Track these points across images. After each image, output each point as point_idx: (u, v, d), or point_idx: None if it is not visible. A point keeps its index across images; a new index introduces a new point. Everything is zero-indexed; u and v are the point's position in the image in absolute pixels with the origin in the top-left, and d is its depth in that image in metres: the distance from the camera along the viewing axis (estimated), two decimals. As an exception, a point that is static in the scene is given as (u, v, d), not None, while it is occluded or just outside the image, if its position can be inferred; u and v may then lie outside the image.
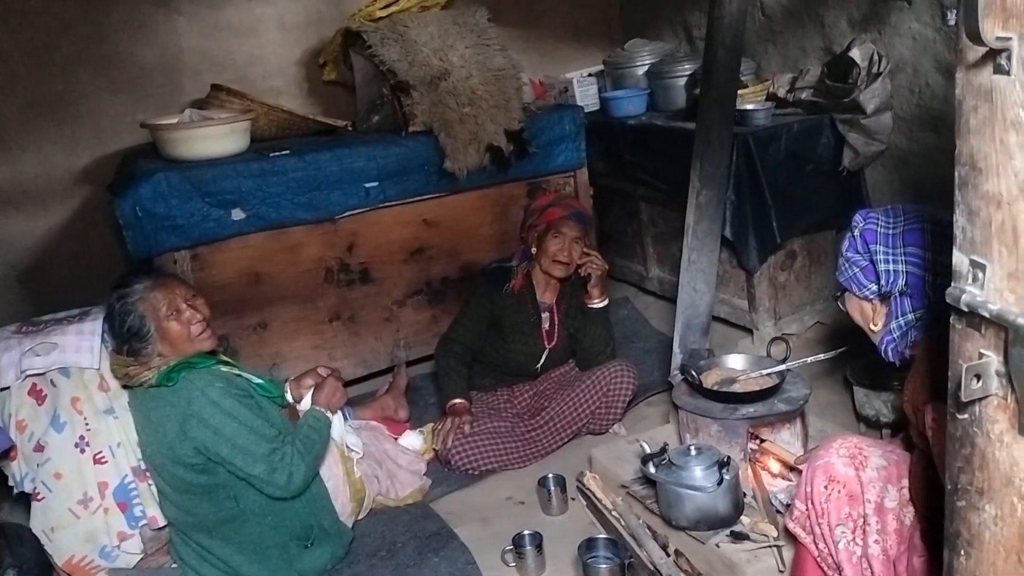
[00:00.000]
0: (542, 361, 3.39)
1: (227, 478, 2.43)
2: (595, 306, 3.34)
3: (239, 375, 2.60)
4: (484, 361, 3.41)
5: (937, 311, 1.85)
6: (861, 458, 1.95)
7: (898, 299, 1.91)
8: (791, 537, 2.13)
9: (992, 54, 0.94)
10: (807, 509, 2.00)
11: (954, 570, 1.17)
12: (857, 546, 1.88)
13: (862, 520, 1.88)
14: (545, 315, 3.37)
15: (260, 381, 2.66)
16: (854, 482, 1.92)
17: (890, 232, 1.93)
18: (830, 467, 1.96)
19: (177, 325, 2.49)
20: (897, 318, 1.92)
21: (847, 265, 2.01)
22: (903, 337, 1.91)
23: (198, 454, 2.39)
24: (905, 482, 1.87)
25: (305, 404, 2.75)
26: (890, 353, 1.97)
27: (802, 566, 2.06)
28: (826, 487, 1.95)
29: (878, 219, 1.96)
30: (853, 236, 1.99)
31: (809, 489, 1.99)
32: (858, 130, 3.35)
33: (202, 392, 2.40)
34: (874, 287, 1.95)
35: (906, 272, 1.89)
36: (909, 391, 1.80)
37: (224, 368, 2.57)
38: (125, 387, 2.56)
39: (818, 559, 2.00)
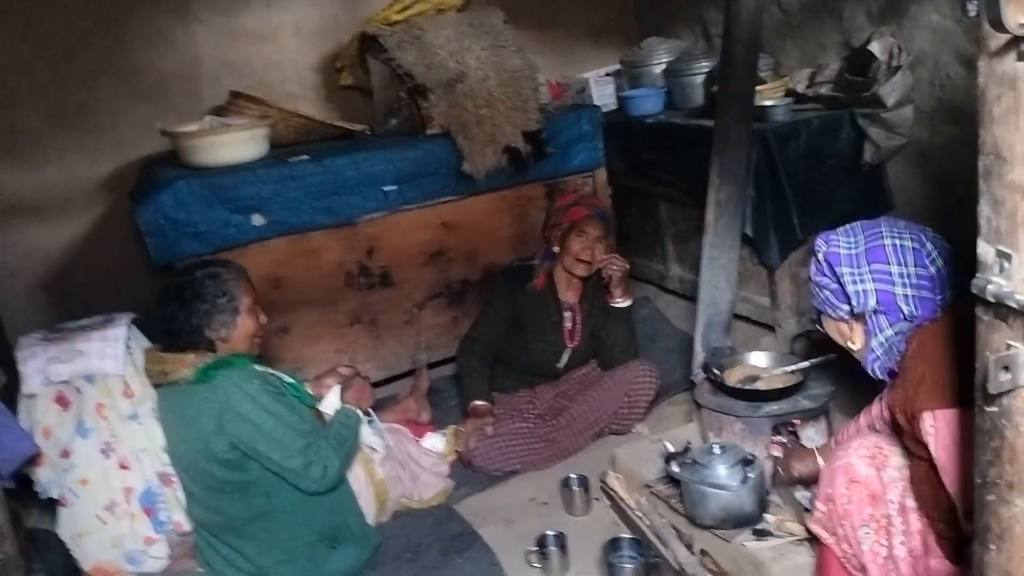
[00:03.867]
0: (564, 361, 3.38)
1: (259, 475, 2.45)
2: (618, 305, 3.33)
3: (273, 374, 2.62)
4: (506, 362, 3.41)
5: (918, 321, 1.90)
6: (881, 458, 1.92)
7: (873, 317, 1.94)
8: (814, 538, 2.11)
9: (1015, 41, 0.92)
10: (829, 510, 1.98)
11: (985, 565, 1.15)
12: (882, 547, 1.86)
13: (886, 520, 1.86)
14: (567, 314, 3.37)
15: (292, 381, 2.69)
16: (876, 482, 1.89)
17: (852, 252, 1.97)
18: (850, 468, 1.93)
19: (252, 323, 2.56)
20: (876, 335, 1.95)
21: (817, 289, 2.05)
22: (887, 353, 1.94)
23: (233, 449, 2.40)
24: None
25: (326, 403, 2.76)
26: (877, 371, 2.00)
27: (826, 567, 2.03)
28: (847, 489, 1.92)
29: (839, 240, 2.00)
30: (818, 260, 2.03)
31: (830, 490, 1.96)
32: (879, 124, 3.32)
33: (239, 388, 2.41)
34: (846, 308, 1.99)
35: (875, 290, 1.92)
36: (900, 400, 1.78)
37: (259, 367, 2.59)
38: (156, 387, 2.57)
39: (842, 560, 1.98)
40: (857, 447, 1.96)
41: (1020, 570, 1.10)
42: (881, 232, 1.96)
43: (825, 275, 2.01)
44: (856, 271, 1.94)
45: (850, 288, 1.94)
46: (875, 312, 1.92)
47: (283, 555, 2.50)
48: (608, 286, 3.29)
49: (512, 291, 3.34)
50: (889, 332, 1.91)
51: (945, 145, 3.23)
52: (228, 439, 2.39)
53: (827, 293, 2.02)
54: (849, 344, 2.06)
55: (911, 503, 1.83)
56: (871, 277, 1.92)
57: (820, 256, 2.02)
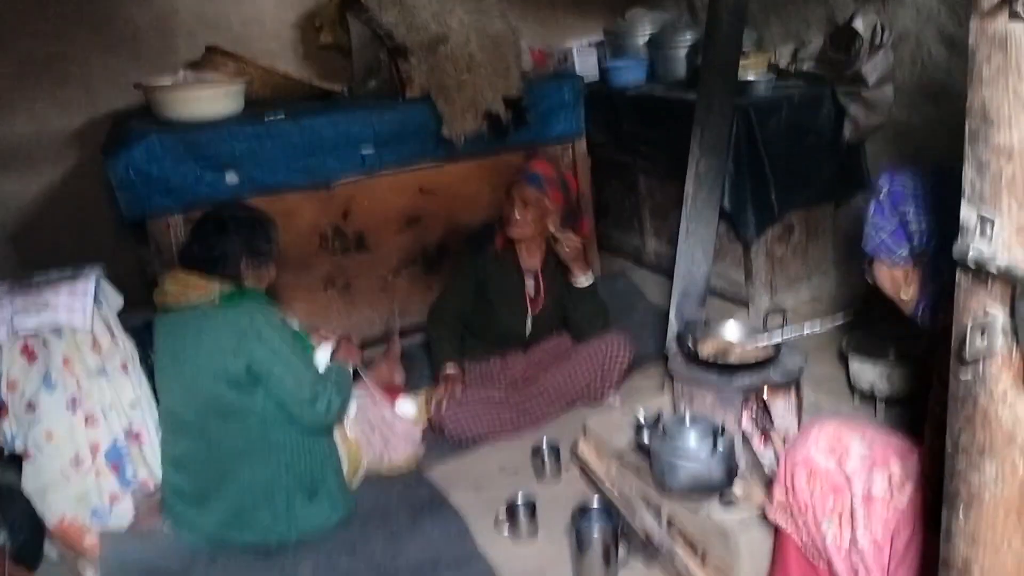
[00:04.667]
0: (529, 328, 3.37)
1: (263, 405, 2.51)
2: (579, 285, 3.32)
3: (284, 318, 2.70)
4: (474, 330, 3.39)
5: None
6: (841, 449, 1.87)
7: (932, 260, 1.78)
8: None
9: (1008, 0, 0.91)
10: (788, 501, 1.94)
11: (953, 530, 1.15)
12: (844, 539, 1.82)
13: (848, 510, 1.82)
14: (530, 281, 3.35)
15: (297, 329, 2.75)
16: (837, 474, 1.85)
17: (919, 191, 1.81)
18: (810, 461, 1.89)
19: (275, 273, 2.71)
20: (934, 279, 1.80)
21: (874, 232, 1.87)
22: (939, 298, 1.78)
23: (248, 372, 2.47)
24: (893, 466, 1.81)
25: (316, 358, 2.77)
26: (928, 318, 1.85)
27: (784, 554, 2.00)
28: (808, 481, 1.88)
29: (904, 179, 1.83)
30: (879, 200, 1.86)
31: (790, 483, 1.92)
32: (859, 102, 3.33)
33: (263, 314, 2.53)
34: (905, 251, 1.83)
35: (939, 231, 1.76)
36: (940, 359, 1.70)
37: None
38: (162, 312, 2.59)
39: (801, 548, 1.94)
40: (816, 438, 1.91)
41: (988, 536, 1.10)
42: (951, 172, 1.80)
43: (885, 216, 1.84)
44: (920, 209, 1.79)
45: (913, 227, 1.80)
46: (935, 254, 1.78)
47: (263, 496, 2.53)
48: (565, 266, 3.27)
49: (474, 256, 3.34)
50: (946, 276, 1.77)
51: (924, 125, 3.25)
52: (246, 360, 2.45)
53: (884, 236, 1.84)
54: (901, 295, 1.89)
55: (876, 491, 1.79)
56: (936, 216, 1.78)
57: (882, 195, 1.85)
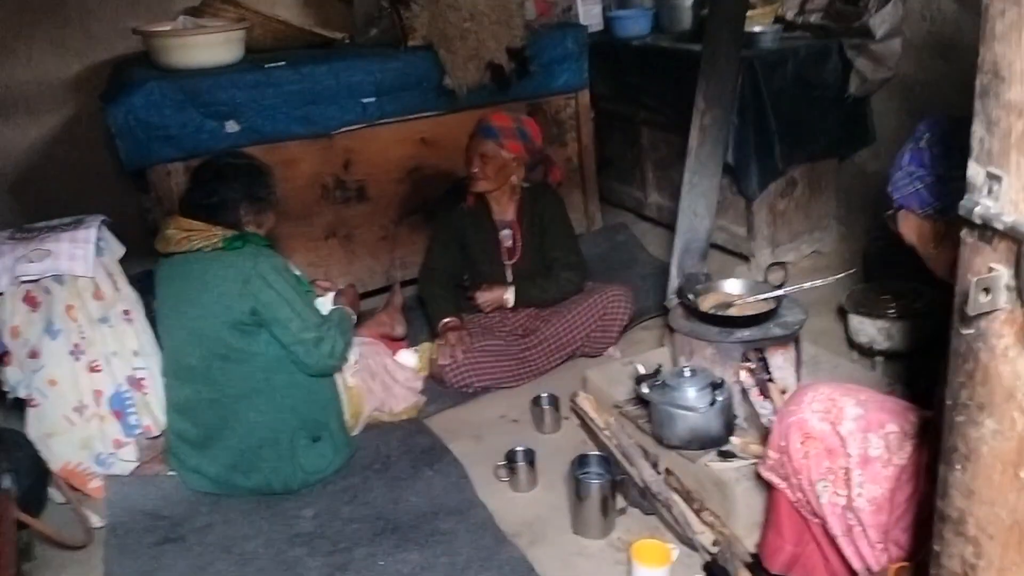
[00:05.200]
0: (510, 279, 3.35)
1: (266, 348, 2.55)
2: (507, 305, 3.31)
3: (286, 262, 2.72)
4: (465, 285, 3.40)
5: None
6: (836, 411, 1.85)
7: None
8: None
9: (1024, -47, 0.90)
10: (782, 460, 1.93)
11: (949, 484, 1.17)
12: (841, 497, 1.83)
13: (844, 473, 1.82)
14: (505, 232, 3.33)
15: (299, 274, 2.77)
16: (831, 437, 1.84)
17: (962, 144, 1.71)
18: (804, 424, 1.87)
19: (274, 221, 2.75)
20: None
21: (908, 180, 1.74)
22: None
23: (252, 315, 2.50)
24: (890, 426, 1.81)
25: (320, 304, 2.81)
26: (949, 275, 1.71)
27: (777, 508, 2.01)
28: (802, 444, 1.87)
29: (947, 129, 1.69)
30: (919, 147, 1.73)
31: (784, 443, 1.91)
32: (866, 55, 3.29)
33: (268, 259, 2.56)
34: (941, 205, 1.70)
35: None
36: None
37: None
38: (165, 256, 2.60)
39: (795, 503, 1.95)
40: (810, 400, 1.90)
41: (984, 490, 1.12)
42: None
43: (923, 164, 1.72)
44: (961, 163, 1.73)
45: (956, 184, 1.73)
46: None
47: (267, 439, 2.56)
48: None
49: (449, 213, 3.33)
50: None
51: (931, 81, 3.22)
52: (251, 303, 2.48)
53: (919, 186, 1.73)
54: (930, 249, 1.79)
55: (873, 452, 1.79)
56: None
57: (923, 142, 1.73)
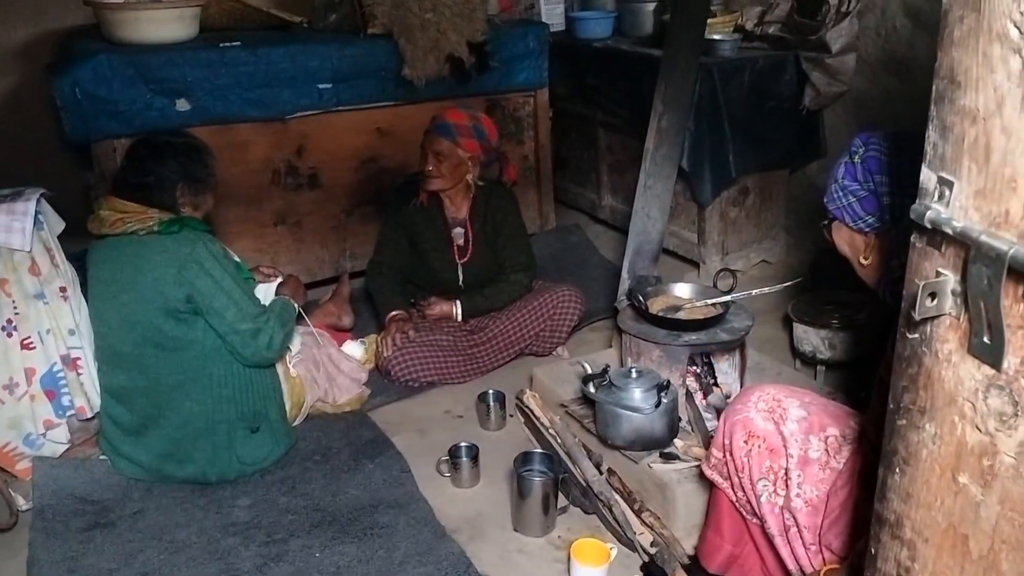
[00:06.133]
0: (461, 277, 3.33)
1: (202, 336, 2.46)
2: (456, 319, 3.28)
3: (225, 249, 2.63)
4: (415, 280, 3.36)
5: None
6: (780, 411, 1.88)
7: (900, 236, 1.65)
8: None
9: (985, -40, 0.91)
10: (725, 459, 1.96)
11: (887, 487, 1.18)
12: (779, 497, 1.86)
13: (783, 472, 1.85)
14: (458, 231, 3.30)
15: (238, 260, 2.69)
16: (775, 436, 1.86)
17: (894, 160, 1.69)
18: (749, 422, 1.90)
19: (212, 203, 2.65)
20: (900, 256, 1.64)
21: (842, 194, 1.77)
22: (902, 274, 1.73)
23: (188, 302, 2.41)
24: (831, 430, 1.84)
25: (261, 292, 2.73)
26: (889, 294, 1.74)
27: (718, 508, 2.03)
28: (746, 442, 1.90)
29: (880, 145, 1.72)
30: (852, 162, 1.76)
31: (728, 442, 1.93)
32: (822, 69, 3.34)
33: (205, 245, 2.46)
34: (872, 219, 1.73)
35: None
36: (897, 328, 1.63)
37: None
38: (99, 238, 2.50)
39: (736, 504, 1.98)
40: (756, 400, 1.93)
41: (922, 493, 1.13)
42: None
43: (857, 180, 1.74)
44: (896, 181, 1.68)
45: (886, 200, 1.70)
46: (905, 230, 1.71)
47: (203, 430, 2.50)
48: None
49: (399, 208, 3.28)
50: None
51: (883, 96, 3.28)
52: (186, 290, 2.40)
53: (852, 200, 1.75)
54: (860, 259, 1.81)
55: (813, 454, 1.83)
56: (912, 192, 1.69)
57: (857, 158, 1.74)
